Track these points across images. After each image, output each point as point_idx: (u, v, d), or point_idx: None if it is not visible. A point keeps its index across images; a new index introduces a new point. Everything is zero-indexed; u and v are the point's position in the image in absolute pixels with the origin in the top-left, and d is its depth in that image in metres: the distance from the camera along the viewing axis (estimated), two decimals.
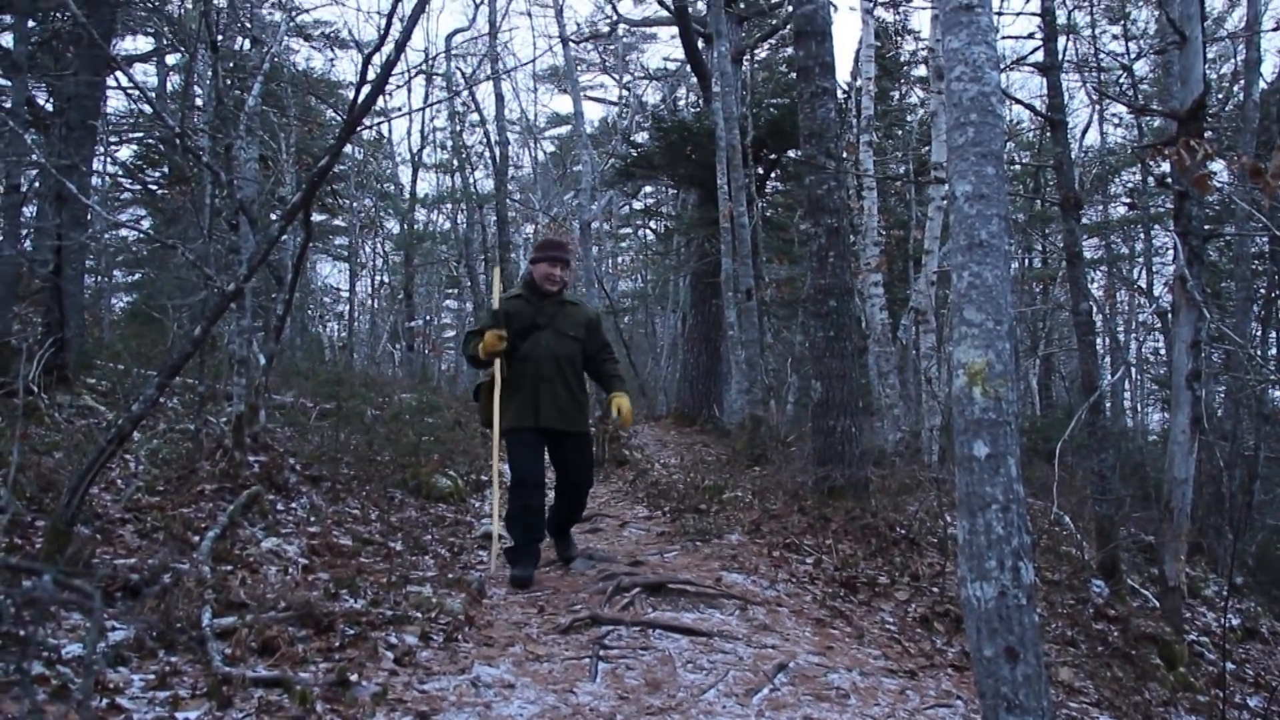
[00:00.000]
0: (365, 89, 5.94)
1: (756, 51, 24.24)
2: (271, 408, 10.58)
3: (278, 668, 4.46)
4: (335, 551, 6.58)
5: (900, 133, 25.37)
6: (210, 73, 9.34)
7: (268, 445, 7.91)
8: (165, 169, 21.18)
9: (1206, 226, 14.32)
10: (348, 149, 26.79)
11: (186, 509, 6.46)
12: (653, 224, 35.56)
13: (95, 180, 19.38)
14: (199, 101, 15.75)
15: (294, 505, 7.30)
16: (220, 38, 13.13)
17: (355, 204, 28.30)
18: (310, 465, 8.39)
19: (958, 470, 2.99)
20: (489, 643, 5.41)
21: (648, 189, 31.95)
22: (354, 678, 4.40)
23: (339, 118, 21.61)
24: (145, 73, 23.07)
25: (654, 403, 26.12)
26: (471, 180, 25.82)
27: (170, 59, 21.38)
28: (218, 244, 9.31)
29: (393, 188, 31.32)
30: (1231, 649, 9.69)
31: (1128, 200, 25.54)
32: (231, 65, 16.38)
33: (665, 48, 40.43)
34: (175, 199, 17.01)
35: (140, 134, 21.73)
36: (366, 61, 6.12)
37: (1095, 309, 21.58)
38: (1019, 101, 9.04)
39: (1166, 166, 8.71)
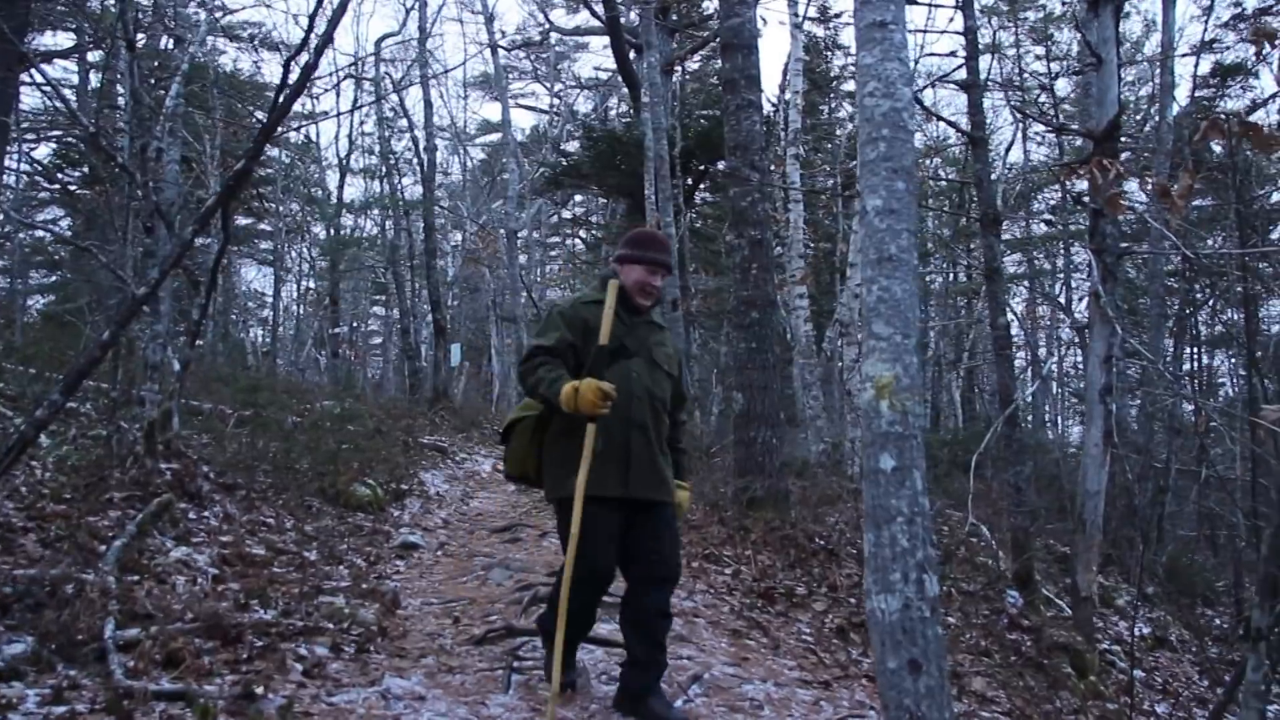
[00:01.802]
0: (286, 92, 5.87)
1: (688, 63, 24.36)
2: (188, 414, 10.39)
3: (182, 681, 4.36)
4: (247, 561, 6.46)
5: (829, 146, 25.63)
6: (128, 71, 9.15)
7: (181, 452, 7.74)
8: (86, 169, 20.75)
9: (1124, 244, 14.65)
10: (275, 152, 26.47)
11: (94, 517, 6.29)
12: (582, 233, 35.56)
13: (10, 179, 18.94)
14: (121, 100, 15.45)
15: (206, 514, 7.16)
16: (141, 36, 12.89)
17: (281, 208, 27.93)
18: (225, 473, 8.24)
19: (864, 483, 3.00)
20: (401, 654, 5.35)
21: (578, 198, 31.94)
22: (260, 690, 4.31)
23: (265, 121, 21.32)
24: (66, 69, 22.60)
25: None
26: (399, 186, 25.58)
27: (92, 56, 20.94)
28: (135, 247, 9.12)
29: (320, 192, 30.97)
30: (1141, 657, 9.87)
31: (1047, 217, 26.03)
32: (156, 64, 16.11)
33: (597, 57, 40.56)
34: (94, 200, 16.66)
35: (59, 132, 21.27)
36: (288, 64, 6.04)
37: (1015, 323, 21.96)
38: (941, 118, 9.18)
39: (1083, 185, 8.87)
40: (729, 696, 5.12)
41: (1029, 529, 8.54)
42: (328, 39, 5.78)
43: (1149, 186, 6.69)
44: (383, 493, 9.81)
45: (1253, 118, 10.39)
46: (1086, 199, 7.96)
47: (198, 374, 14.52)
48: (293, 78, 5.90)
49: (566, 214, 35.16)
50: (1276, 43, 5.47)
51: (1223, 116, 5.52)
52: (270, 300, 30.84)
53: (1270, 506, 10.52)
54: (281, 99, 5.99)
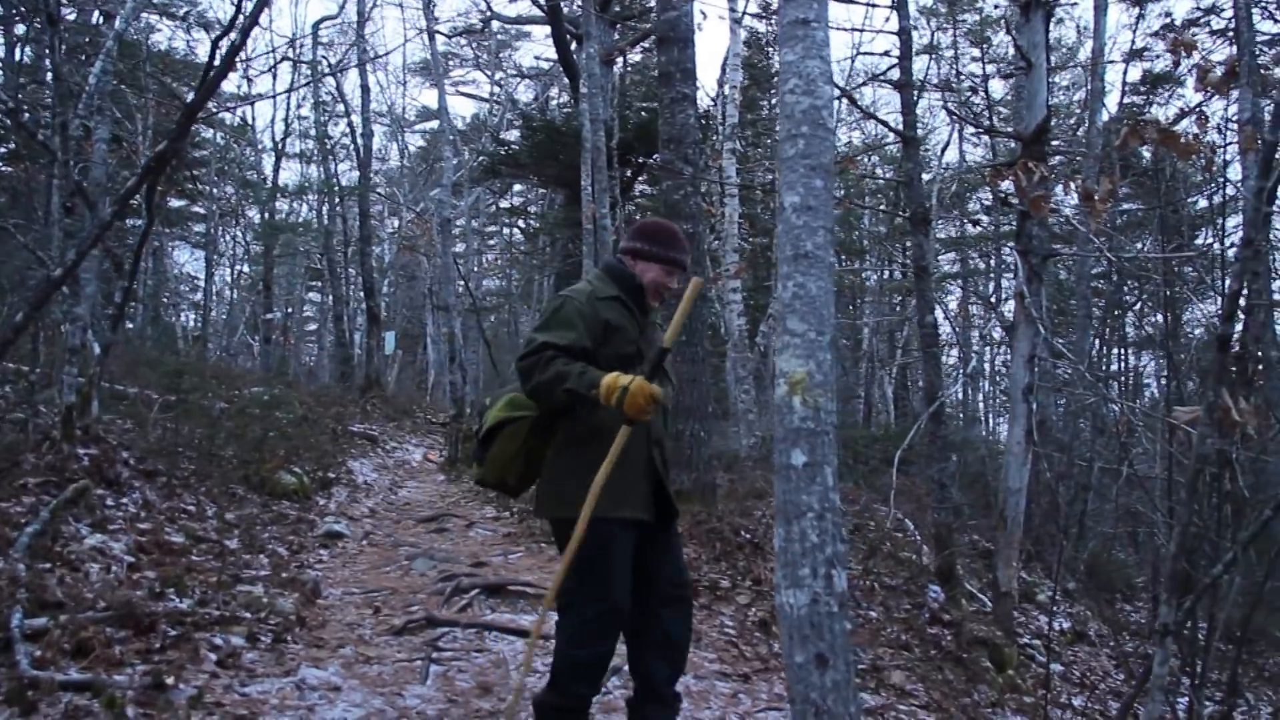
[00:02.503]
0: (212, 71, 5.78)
1: (629, 55, 24.33)
2: (111, 399, 10.20)
3: (91, 671, 4.29)
4: (165, 549, 6.36)
5: (769, 141, 25.73)
6: (51, 45, 8.93)
7: (100, 438, 7.59)
8: (9, 145, 20.25)
9: (1054, 246, 14.87)
10: (210, 134, 26.05)
11: (6, 503, 6.16)
12: (520, 223, 35.41)
13: None
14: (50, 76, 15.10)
15: (125, 501, 7.03)
16: (69, 10, 12.60)
17: (215, 191, 27.50)
18: (146, 459, 8.10)
19: (776, 478, 3.02)
20: (319, 644, 5.30)
21: (517, 188, 31.81)
22: (171, 680, 4.26)
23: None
24: None
25: None
26: (335, 172, 25.29)
27: (20, 29, 20.43)
28: (59, 228, 8.93)
29: (255, 176, 30.53)
30: (1060, 651, 10.03)
31: (980, 218, 26.36)
32: (86, 40, 15.77)
33: (538, 46, 40.30)
34: (16, 178, 16.30)
35: None
36: (215, 43, 5.96)
37: (947, 321, 22.20)
38: (874, 117, 9.26)
39: (1011, 186, 8.99)
40: None
41: (952, 525, 8.66)
42: (255, 19, 5.70)
43: (1072, 190, 6.80)
44: (309, 481, 9.72)
45: (1180, 125, 10.62)
46: (1014, 200, 8.07)
47: (124, 358, 14.26)
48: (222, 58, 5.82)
49: (505, 204, 35.04)
50: (1195, 53, 5.59)
51: (1142, 123, 5.62)
52: (202, 284, 30.33)
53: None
54: (208, 78, 5.90)
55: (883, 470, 14.73)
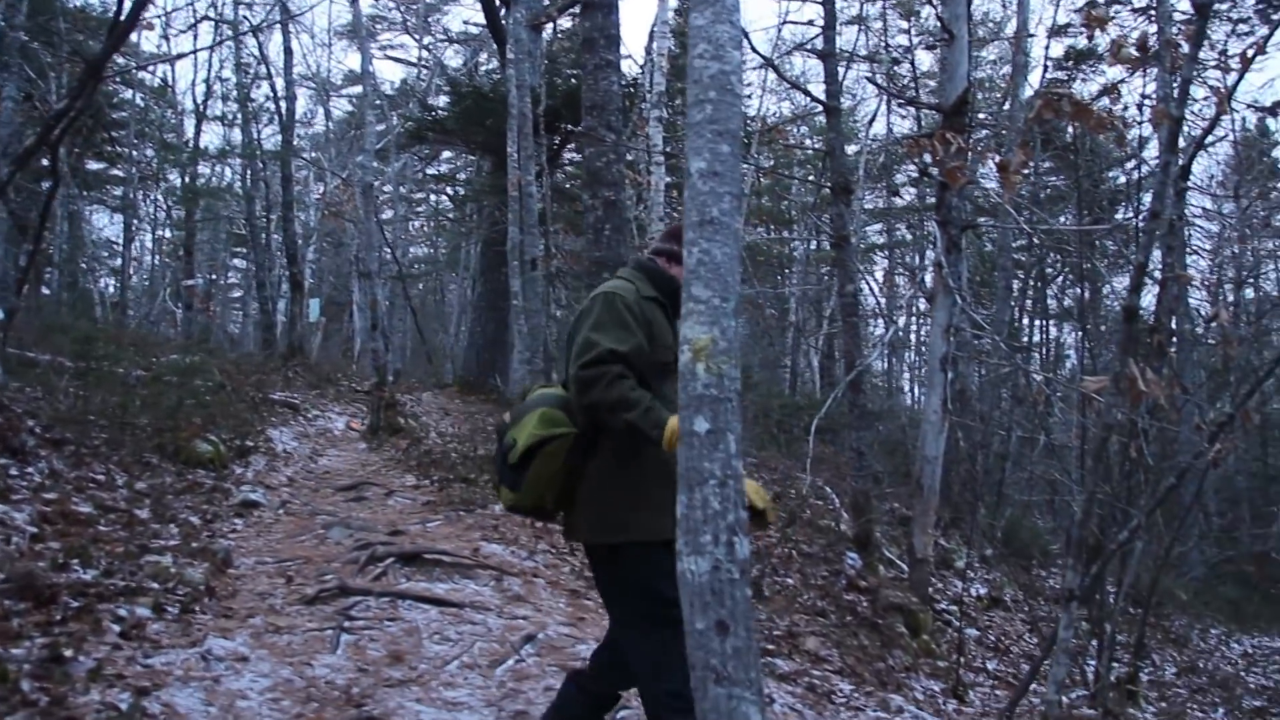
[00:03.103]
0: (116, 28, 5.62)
1: (559, 21, 24.10)
2: (20, 365, 9.95)
3: None
4: (71, 519, 6.21)
5: None
6: None
7: (4, 405, 7.39)
8: None
9: (982, 218, 15.04)
10: (129, 95, 25.39)
11: None
12: (449, 190, 35.01)
13: None
14: None
15: (30, 470, 6.85)
16: None
17: (135, 153, 26.80)
18: (54, 428, 7.90)
19: (680, 446, 3.00)
20: (228, 614, 5.23)
21: (447, 155, 31.43)
22: (70, 653, 4.16)
23: (121, 60, 20.41)
24: None
25: (441, 371, 25.79)
26: (257, 135, 24.78)
27: None
28: None
29: (176, 139, 29.81)
30: (976, 616, 10.24)
31: (907, 189, 26.54)
32: None
33: (467, 11, 39.75)
34: None
35: None
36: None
37: (872, 292, 22.38)
38: (797, 86, 9.26)
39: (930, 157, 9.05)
40: (562, 656, 5.14)
41: (870, 492, 8.75)
42: None
43: (989, 161, 6.86)
44: (226, 449, 9.55)
45: (1103, 101, 10.74)
46: (935, 172, 8.13)
47: (36, 324, 13.91)
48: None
49: (433, 171, 34.64)
50: (1110, 29, 5.64)
51: (1056, 96, 5.67)
52: (121, 249, 29.61)
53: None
54: (116, 30, 5.74)
55: (805, 439, 14.88)
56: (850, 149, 26.98)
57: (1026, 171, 24.61)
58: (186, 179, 27.49)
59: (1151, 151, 15.18)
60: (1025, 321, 27.91)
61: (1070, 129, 17.55)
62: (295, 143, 24.97)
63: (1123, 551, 7.11)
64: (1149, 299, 9.48)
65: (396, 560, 6.27)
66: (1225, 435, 6.19)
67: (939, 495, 8.33)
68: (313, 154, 31.27)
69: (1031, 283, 25.70)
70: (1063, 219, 21.35)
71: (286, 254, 22.15)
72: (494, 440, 4.39)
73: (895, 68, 23.98)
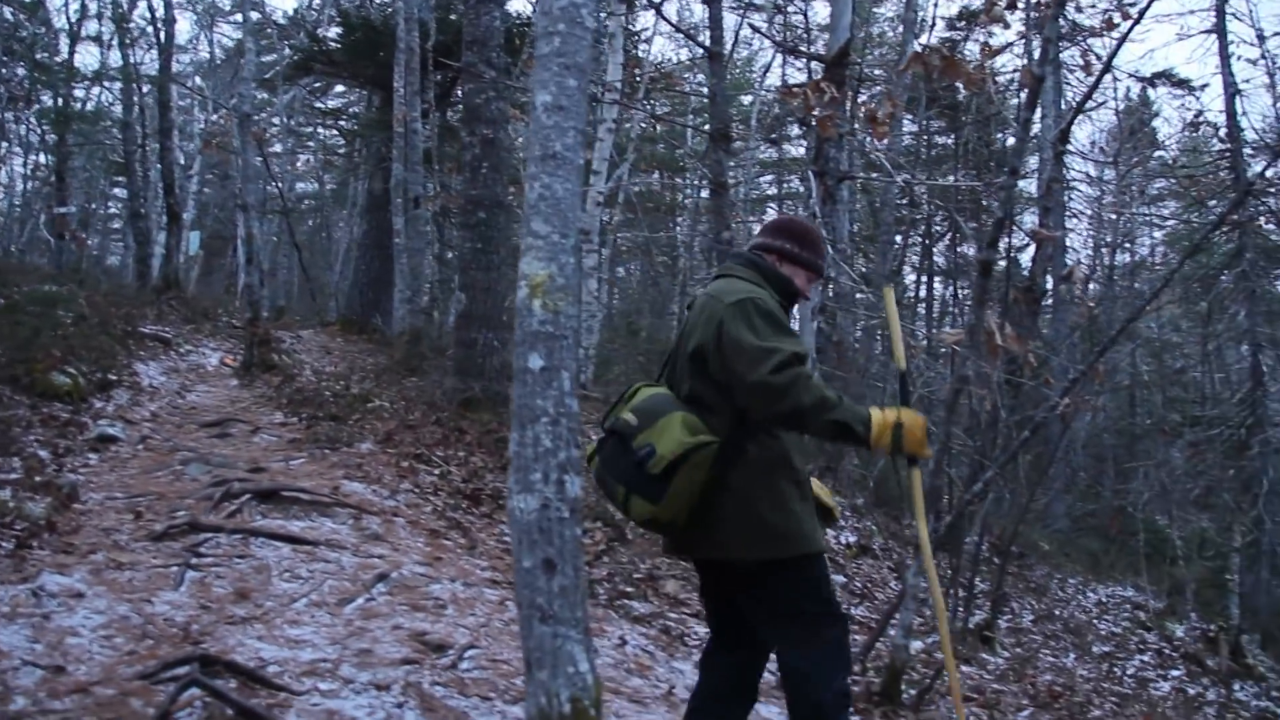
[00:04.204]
0: None
1: None
2: None
3: None
4: None
5: None
6: None
7: None
8: None
9: (863, 174, 15.22)
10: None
11: None
12: (341, 123, 34.18)
13: None
14: None
15: None
16: None
17: (4, 72, 25.59)
18: None
19: (514, 383, 2.98)
20: (68, 550, 5.07)
21: (340, 89, 30.66)
22: None
23: None
24: None
25: (325, 309, 25.33)
26: (135, 58, 23.82)
27: None
28: None
29: (49, 58, 28.52)
30: (844, 564, 10.46)
31: (776, 138, 26.66)
32: None
33: None
34: None
35: None
36: None
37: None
38: (679, 29, 9.19)
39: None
40: (414, 595, 5.10)
41: None
42: None
43: (863, 113, 6.91)
44: (85, 383, 9.23)
45: (997, 62, 10.89)
46: (812, 122, 8.17)
47: None
48: None
49: (323, 105, 33.77)
50: None
51: (928, 50, 5.74)
52: None
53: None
54: None
55: None
56: (745, 99, 27.13)
57: (914, 129, 25.04)
58: (60, 101, 26.34)
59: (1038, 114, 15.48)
60: (913, 278, 28.44)
61: (960, 89, 17.80)
62: (176, 69, 24.10)
63: (981, 502, 7.32)
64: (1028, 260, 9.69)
65: (253, 497, 6.14)
66: (1075, 391, 6.38)
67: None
68: (197, 81, 30.26)
69: (919, 240, 26.16)
70: (951, 179, 21.72)
71: (164, 184, 21.44)
72: (583, 434, 4.01)
73: (790, 19, 24.03)
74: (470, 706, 4.03)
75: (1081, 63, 15.49)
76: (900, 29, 24.07)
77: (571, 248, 3.03)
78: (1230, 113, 15.00)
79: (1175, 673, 12.33)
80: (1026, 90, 6.35)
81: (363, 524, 6.09)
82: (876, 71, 23.44)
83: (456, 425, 8.20)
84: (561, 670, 2.84)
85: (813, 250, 3.65)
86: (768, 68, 26.95)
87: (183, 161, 26.74)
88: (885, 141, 5.69)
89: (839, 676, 3.32)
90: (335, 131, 34.40)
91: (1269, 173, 12.43)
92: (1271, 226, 16.26)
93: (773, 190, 30.53)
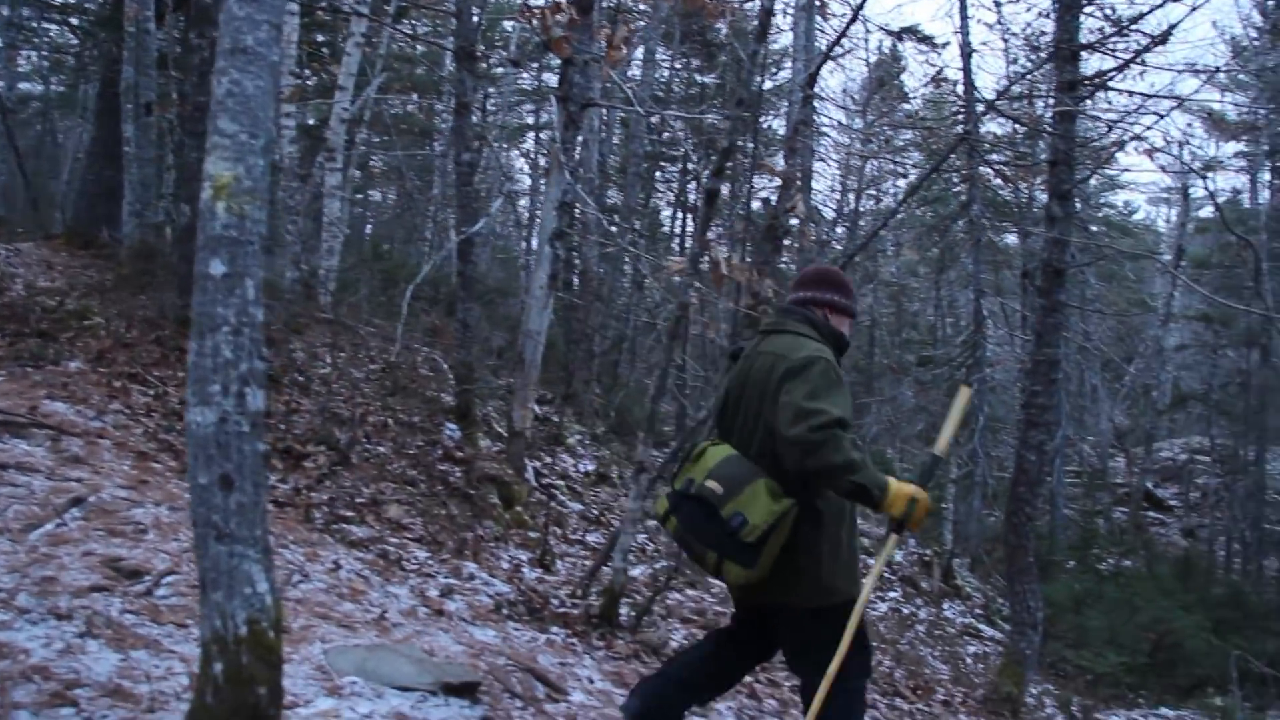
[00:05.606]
0: None
1: None
2: None
3: None
4: None
5: None
6: None
7: None
8: None
9: (608, 103, 15.20)
10: None
11: None
12: (74, 19, 31.60)
13: None
14: None
15: None
16: None
17: None
18: None
19: (194, 289, 2.81)
20: None
21: None
22: None
23: None
24: None
25: (50, 220, 23.54)
26: None
27: None
28: None
29: None
30: (582, 491, 10.61)
31: (517, 59, 26.42)
32: None
33: None
34: None
35: None
36: None
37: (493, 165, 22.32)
38: None
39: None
40: (112, 520, 4.83)
41: (473, 364, 8.75)
42: None
43: (602, 39, 6.86)
44: None
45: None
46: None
47: None
48: None
49: None
50: None
51: None
52: None
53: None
54: None
55: (430, 310, 14.74)
56: (507, 24, 26.63)
57: (664, 61, 25.24)
58: None
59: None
60: (668, 213, 28.82)
61: (721, 28, 17.99)
62: None
63: (699, 428, 7.50)
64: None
65: None
66: None
67: (539, 369, 8.44)
68: None
69: (676, 175, 26.48)
70: (710, 117, 22.02)
71: None
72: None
73: None
74: (164, 634, 3.86)
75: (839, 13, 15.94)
76: None
77: (261, 149, 2.87)
78: (967, 70, 15.73)
79: (893, 594, 13.16)
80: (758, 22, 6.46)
81: (62, 446, 5.70)
82: (641, 6, 23.46)
83: (178, 345, 7.76)
84: (238, 591, 2.73)
85: (852, 297, 3.90)
86: None
87: None
88: (621, 68, 5.69)
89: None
90: (68, 28, 31.83)
91: (997, 131, 13.16)
92: (1000, 182, 17.21)
93: (531, 119, 30.21)
